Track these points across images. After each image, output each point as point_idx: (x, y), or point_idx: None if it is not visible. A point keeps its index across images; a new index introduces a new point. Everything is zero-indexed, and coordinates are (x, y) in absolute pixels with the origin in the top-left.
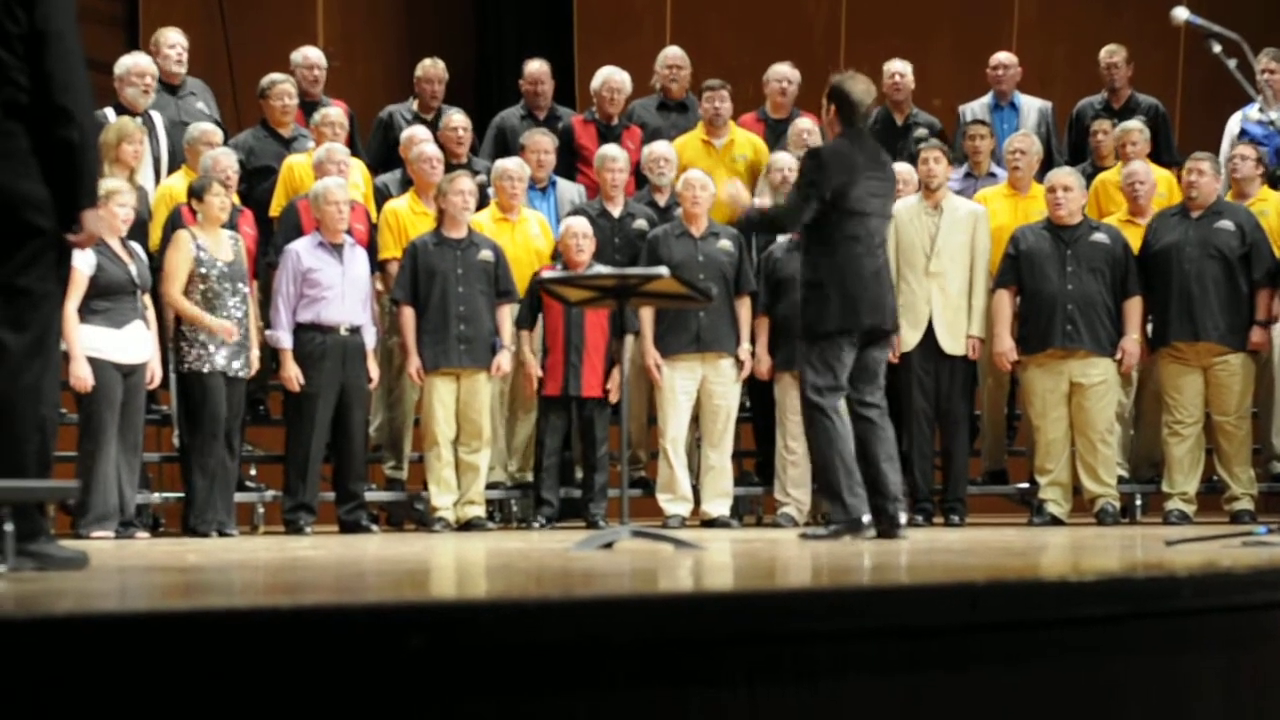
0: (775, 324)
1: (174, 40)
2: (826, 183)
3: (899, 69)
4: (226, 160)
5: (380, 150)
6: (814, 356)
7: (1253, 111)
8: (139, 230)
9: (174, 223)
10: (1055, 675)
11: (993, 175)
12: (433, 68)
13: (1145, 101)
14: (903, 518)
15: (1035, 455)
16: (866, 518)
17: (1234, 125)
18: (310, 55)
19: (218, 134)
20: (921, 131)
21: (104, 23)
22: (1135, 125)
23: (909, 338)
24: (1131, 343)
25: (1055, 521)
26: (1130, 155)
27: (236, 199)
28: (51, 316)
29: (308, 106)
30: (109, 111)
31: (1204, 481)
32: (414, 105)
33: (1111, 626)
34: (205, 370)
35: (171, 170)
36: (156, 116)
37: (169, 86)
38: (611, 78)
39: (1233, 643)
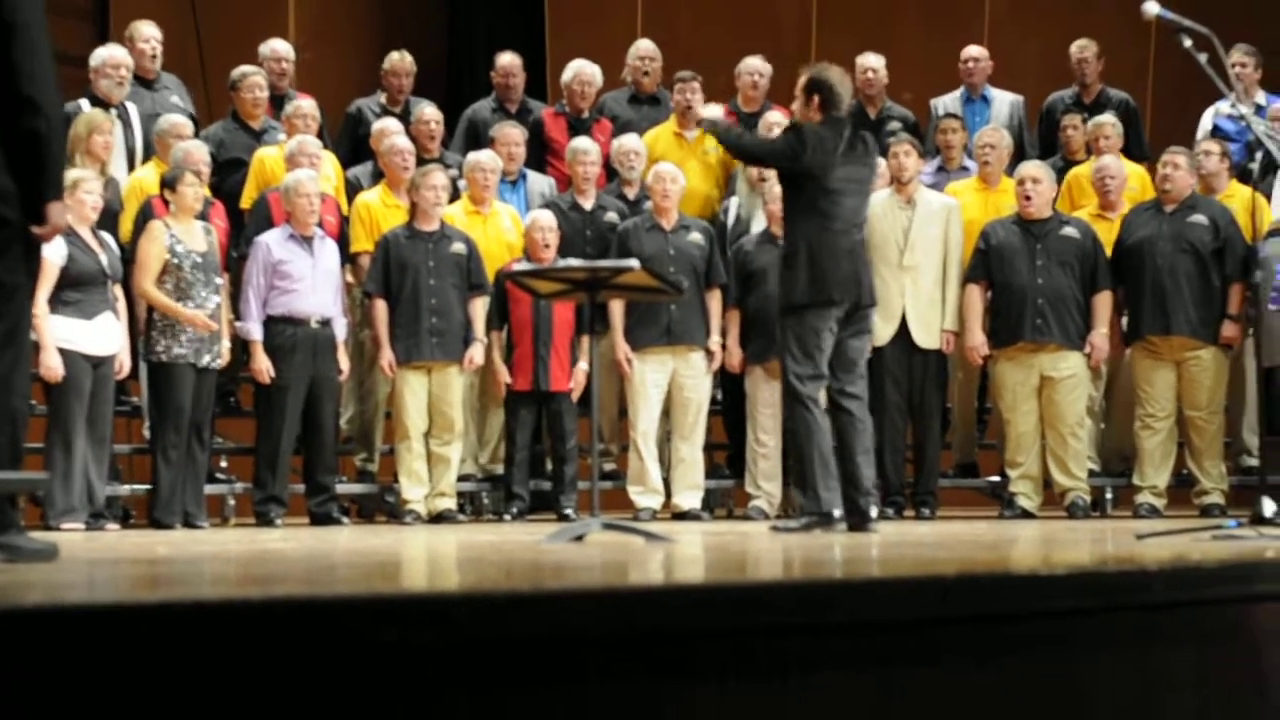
0: (746, 316)
1: (149, 34)
2: (804, 153)
3: (872, 64)
4: (199, 153)
5: (349, 144)
6: (793, 343)
7: (1225, 106)
8: (109, 220)
9: (145, 214)
10: (1026, 668)
11: (965, 169)
12: (400, 60)
13: (1116, 96)
14: (874, 511)
15: (1006, 449)
16: (838, 511)
17: (1207, 121)
18: (279, 48)
19: (188, 126)
20: (895, 125)
21: (74, 15)
22: (1108, 120)
23: (882, 331)
24: (1100, 337)
25: (1026, 515)
26: (1103, 150)
27: (208, 191)
28: (22, 308)
29: (276, 100)
30: (83, 103)
31: (1174, 475)
32: (381, 98)
33: (1082, 620)
34: (173, 362)
35: (145, 162)
36: (131, 109)
37: (144, 80)
38: (582, 70)
39: (1203, 636)
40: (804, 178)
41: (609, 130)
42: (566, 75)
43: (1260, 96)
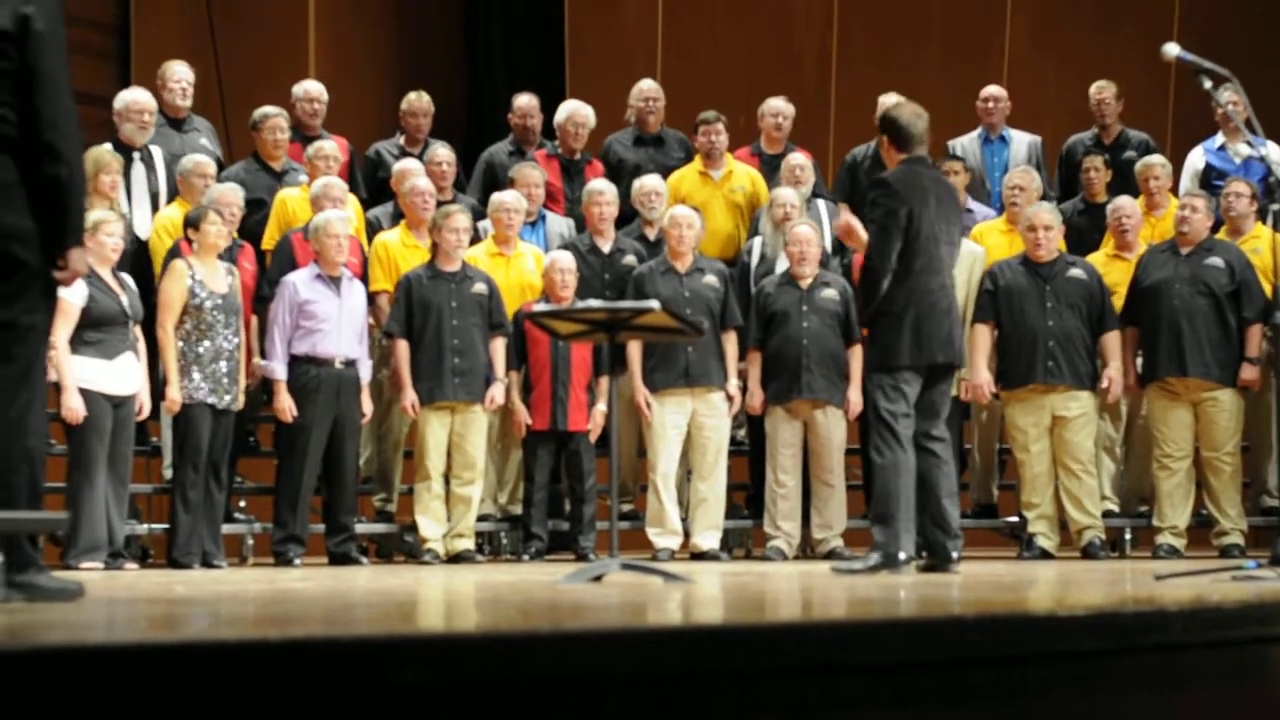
0: (767, 357)
1: (180, 75)
2: (901, 207)
3: (891, 104)
4: (232, 195)
5: (368, 186)
6: (885, 382)
7: (1230, 145)
8: (127, 261)
9: (174, 255)
10: (1046, 710)
11: (969, 211)
12: (418, 101)
13: (1136, 136)
14: (957, 554)
15: (1021, 490)
16: (904, 555)
17: (1197, 159)
18: (311, 89)
19: (211, 165)
20: None
21: (97, 55)
22: (1158, 160)
23: None
24: (1115, 371)
25: (1045, 555)
26: (1153, 189)
27: (235, 234)
28: (38, 348)
29: (306, 140)
30: (108, 147)
31: (1194, 516)
32: (400, 140)
33: (1102, 661)
34: (192, 402)
35: (169, 203)
36: (156, 151)
37: (173, 121)
38: (576, 112)
39: (1223, 677)
40: (908, 224)
41: (600, 172)
42: (560, 116)
43: (1248, 135)
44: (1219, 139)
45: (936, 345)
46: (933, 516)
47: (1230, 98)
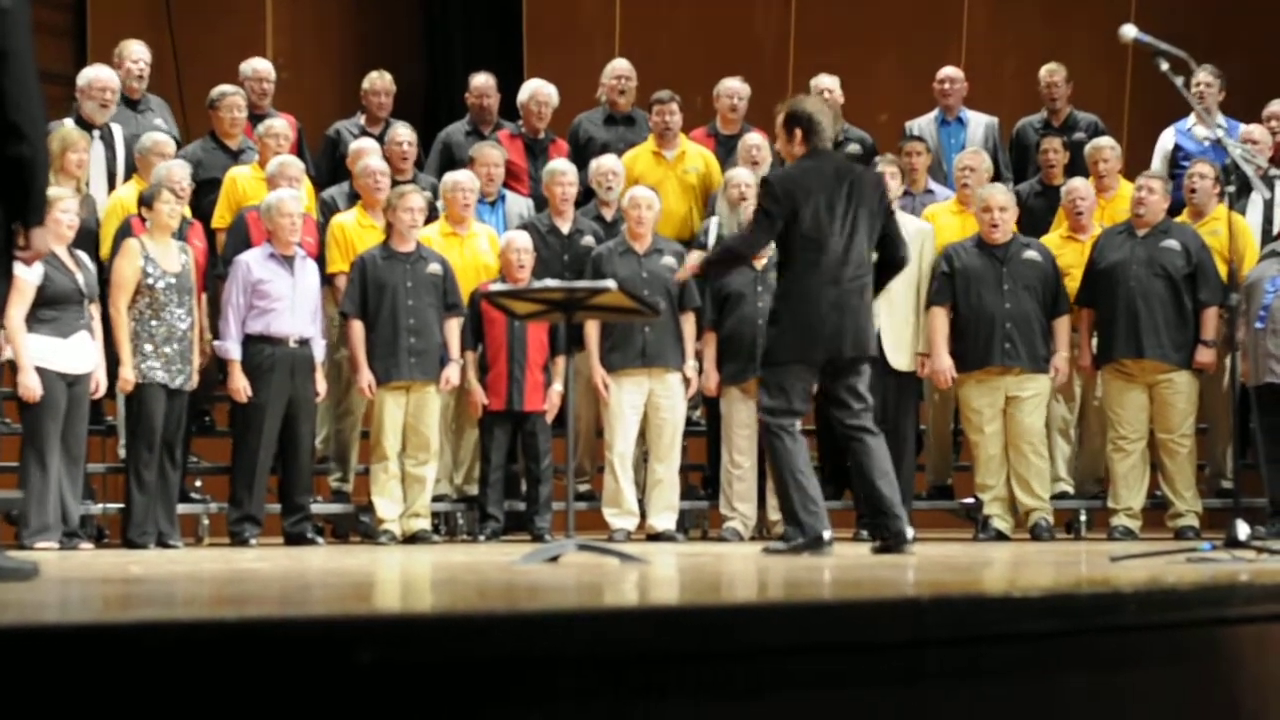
0: (722, 338)
1: (138, 54)
2: (778, 210)
3: (827, 84)
4: (180, 171)
5: (328, 166)
6: (769, 380)
7: (1185, 126)
8: (86, 239)
9: (125, 232)
10: (1003, 690)
11: (930, 192)
12: (379, 80)
13: (1085, 118)
14: (909, 532)
15: (976, 471)
16: (827, 534)
17: (1167, 140)
18: (260, 68)
19: (170, 144)
20: (854, 148)
21: (54, 33)
22: (1106, 143)
23: None
24: (1062, 360)
25: (1000, 537)
26: (1103, 172)
27: (188, 211)
28: None
29: (255, 119)
30: (67, 123)
31: (1149, 498)
32: (361, 119)
33: (1057, 642)
34: (145, 381)
35: (126, 181)
36: (116, 130)
37: (129, 101)
38: (539, 91)
39: (1178, 659)
40: (787, 228)
41: (565, 151)
42: (523, 95)
43: (1220, 119)
44: (1190, 120)
45: (819, 341)
46: (868, 499)
47: (1205, 79)
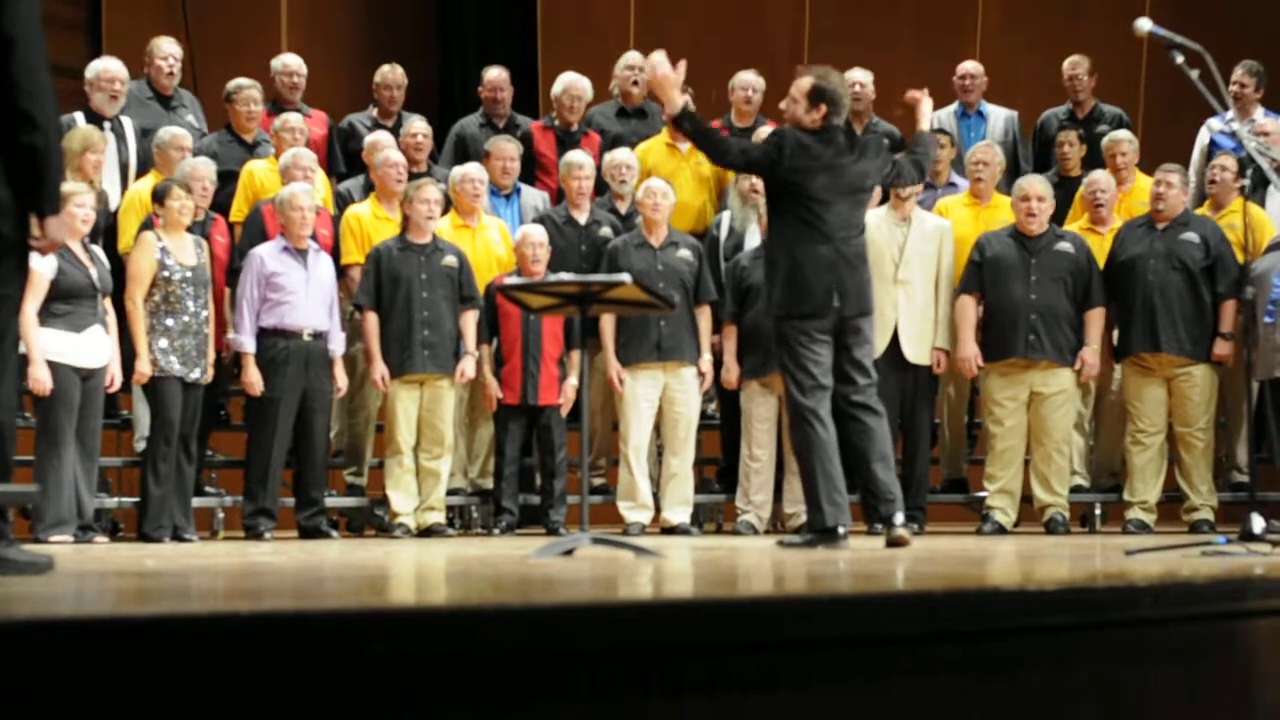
0: (742, 332)
1: (168, 50)
2: (774, 160)
3: (860, 78)
4: (205, 169)
5: (341, 158)
6: (787, 358)
7: (1216, 122)
8: (99, 233)
9: (147, 226)
10: (1017, 683)
11: (953, 185)
12: (391, 73)
13: (1110, 111)
14: (899, 518)
15: (987, 461)
16: (843, 528)
17: (1204, 136)
18: (290, 63)
19: (188, 138)
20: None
21: (67, 27)
22: (1124, 135)
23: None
24: (1091, 353)
25: (1001, 530)
26: (1120, 165)
27: (207, 207)
28: (9, 320)
29: (282, 113)
30: (78, 116)
31: (1165, 491)
32: (373, 112)
33: (1072, 635)
34: (161, 375)
35: (140, 175)
36: (126, 122)
37: (162, 98)
38: (573, 84)
39: (1192, 652)
40: (784, 185)
41: (598, 144)
42: (557, 88)
43: (1259, 114)
44: (1229, 115)
45: (811, 295)
46: (863, 484)
47: (1241, 77)
